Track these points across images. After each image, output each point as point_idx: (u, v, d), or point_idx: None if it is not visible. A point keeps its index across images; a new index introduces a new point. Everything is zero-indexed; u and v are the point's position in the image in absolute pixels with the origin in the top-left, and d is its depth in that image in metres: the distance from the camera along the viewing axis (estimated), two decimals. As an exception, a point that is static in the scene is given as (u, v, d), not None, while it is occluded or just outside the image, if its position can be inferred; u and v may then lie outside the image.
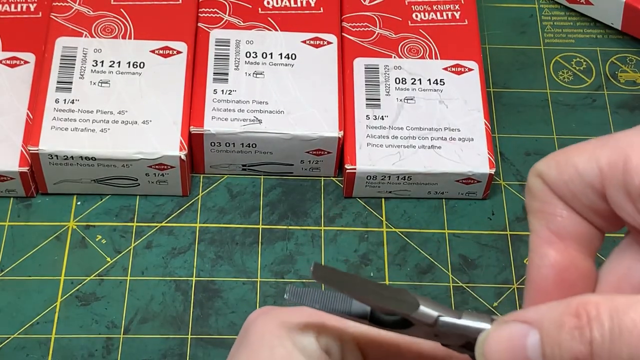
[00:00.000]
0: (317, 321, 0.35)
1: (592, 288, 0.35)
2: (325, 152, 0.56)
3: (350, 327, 0.36)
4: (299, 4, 0.60)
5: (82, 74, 0.56)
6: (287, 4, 0.60)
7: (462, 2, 0.62)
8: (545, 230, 0.36)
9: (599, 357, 0.29)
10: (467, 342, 0.33)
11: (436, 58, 0.59)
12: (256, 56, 0.58)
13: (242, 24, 0.59)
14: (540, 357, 0.31)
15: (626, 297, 0.30)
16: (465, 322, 0.33)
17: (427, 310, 0.33)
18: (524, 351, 0.31)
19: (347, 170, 0.55)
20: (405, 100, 0.57)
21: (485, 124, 0.57)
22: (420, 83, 0.58)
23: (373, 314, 0.33)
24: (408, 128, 0.56)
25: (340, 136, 0.55)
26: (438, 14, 0.61)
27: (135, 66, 0.57)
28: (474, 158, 0.55)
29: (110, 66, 0.57)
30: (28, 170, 0.54)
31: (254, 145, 0.56)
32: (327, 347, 0.35)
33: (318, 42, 0.59)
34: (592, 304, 0.30)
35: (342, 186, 0.57)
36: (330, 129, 0.55)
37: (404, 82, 0.58)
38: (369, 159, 0.55)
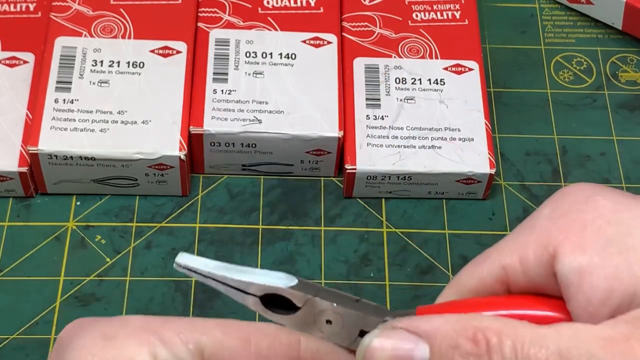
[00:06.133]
0: (149, 333, 0.32)
1: None
2: (325, 152, 0.56)
3: (189, 337, 0.32)
4: (299, 4, 0.60)
5: (81, 73, 0.56)
6: (287, 3, 0.60)
7: (462, 1, 0.61)
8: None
9: None
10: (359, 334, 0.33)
11: (436, 58, 0.59)
12: (256, 56, 0.58)
13: (242, 23, 0.59)
14: None
15: (529, 327, 0.29)
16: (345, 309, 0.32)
17: (298, 291, 0.33)
18: None
19: (347, 170, 0.55)
20: (406, 100, 0.57)
21: (486, 124, 0.57)
22: (420, 83, 0.58)
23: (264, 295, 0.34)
24: (408, 128, 0.56)
25: (340, 136, 0.55)
26: (438, 13, 0.61)
27: (135, 66, 0.57)
28: (474, 158, 0.55)
29: (110, 66, 0.57)
30: (27, 170, 0.54)
31: (253, 145, 0.56)
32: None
33: (318, 42, 0.59)
34: (493, 331, 0.29)
35: (342, 186, 0.57)
36: (330, 129, 0.55)
37: (404, 82, 0.58)
38: (369, 159, 0.55)
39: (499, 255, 0.34)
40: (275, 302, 0.34)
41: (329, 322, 0.33)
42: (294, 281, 0.34)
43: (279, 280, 0.34)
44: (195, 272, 0.34)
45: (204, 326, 0.32)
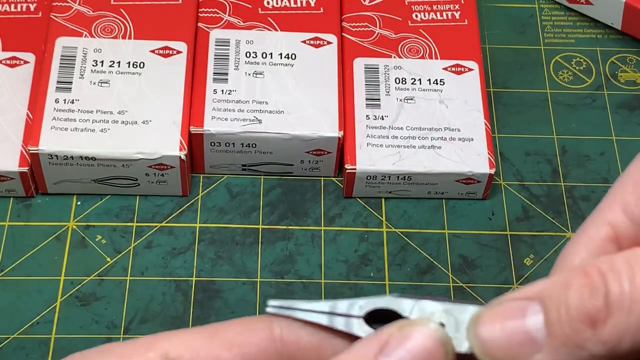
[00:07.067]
0: (109, 355, 0.31)
1: None
2: (325, 152, 0.56)
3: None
4: (299, 4, 0.60)
5: (82, 73, 0.56)
6: (287, 4, 0.60)
7: (462, 2, 0.62)
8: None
9: (618, 309, 0.26)
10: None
11: (436, 58, 0.59)
12: (256, 56, 0.58)
13: (242, 24, 0.59)
14: (543, 327, 0.27)
15: None
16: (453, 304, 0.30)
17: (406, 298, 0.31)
18: (523, 326, 0.27)
19: (347, 170, 0.55)
20: (405, 100, 0.57)
21: (485, 124, 0.57)
22: (420, 83, 0.58)
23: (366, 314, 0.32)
24: (408, 128, 0.56)
25: (340, 136, 0.55)
26: (438, 14, 0.61)
27: (135, 66, 0.57)
28: (474, 158, 0.55)
29: (110, 66, 0.57)
30: (28, 170, 0.54)
31: (254, 145, 0.56)
32: None
33: (318, 42, 0.59)
34: (604, 261, 0.27)
35: (342, 186, 0.57)
36: (330, 129, 0.55)
37: (404, 82, 0.58)
38: (369, 159, 0.55)
39: (599, 215, 0.32)
40: (378, 320, 0.32)
41: (442, 325, 0.31)
42: (395, 294, 0.32)
43: (382, 297, 0.32)
44: (292, 308, 0.32)
45: (168, 334, 0.31)
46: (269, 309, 0.32)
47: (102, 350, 0.31)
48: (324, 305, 0.32)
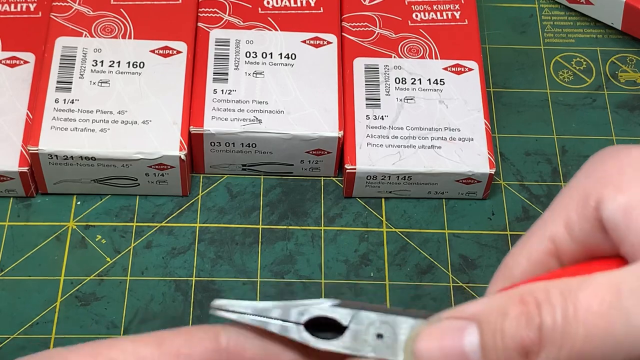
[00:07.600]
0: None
1: None
2: (325, 152, 0.56)
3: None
4: (299, 4, 0.60)
5: (81, 73, 0.56)
6: (287, 3, 0.60)
7: (462, 1, 0.62)
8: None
9: (550, 342, 0.27)
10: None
11: (436, 58, 0.59)
12: (256, 56, 0.58)
13: (242, 23, 0.59)
14: (478, 350, 0.28)
15: (576, 277, 0.28)
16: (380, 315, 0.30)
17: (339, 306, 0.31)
18: (460, 346, 0.28)
19: (347, 170, 0.55)
20: (405, 100, 0.57)
21: (485, 124, 0.57)
22: (420, 83, 0.58)
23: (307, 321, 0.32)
24: (408, 128, 0.56)
25: (340, 136, 0.55)
26: (438, 13, 0.61)
27: (135, 66, 0.57)
28: (474, 158, 0.55)
29: (110, 66, 0.57)
30: (28, 170, 0.54)
31: (254, 145, 0.56)
32: None
33: (318, 42, 0.59)
34: (540, 289, 0.27)
35: (342, 186, 0.57)
36: (330, 129, 0.55)
37: (404, 82, 0.58)
38: (369, 159, 0.55)
39: (542, 227, 0.33)
40: (319, 328, 0.32)
41: (380, 336, 0.31)
42: (336, 301, 0.32)
43: (321, 302, 0.32)
44: (234, 311, 0.33)
45: (114, 340, 0.32)
46: (211, 310, 0.32)
47: (47, 356, 0.31)
48: (270, 309, 0.32)
